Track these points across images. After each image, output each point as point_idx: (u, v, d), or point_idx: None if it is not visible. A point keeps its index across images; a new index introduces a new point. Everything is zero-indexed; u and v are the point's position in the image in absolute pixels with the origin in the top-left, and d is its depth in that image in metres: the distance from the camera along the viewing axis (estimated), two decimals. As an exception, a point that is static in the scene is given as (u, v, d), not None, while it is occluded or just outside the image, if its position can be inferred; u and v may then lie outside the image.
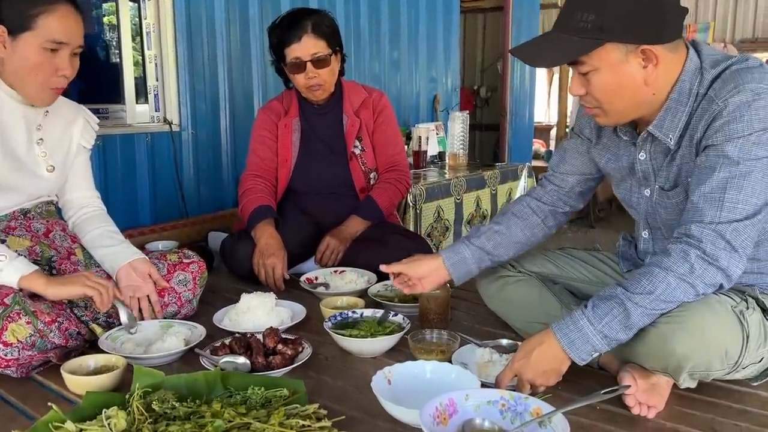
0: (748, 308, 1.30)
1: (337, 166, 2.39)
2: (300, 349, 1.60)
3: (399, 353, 1.66)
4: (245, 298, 1.85)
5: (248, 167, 2.44)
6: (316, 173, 2.39)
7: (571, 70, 1.40)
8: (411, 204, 3.03)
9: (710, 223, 1.25)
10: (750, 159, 1.24)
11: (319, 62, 2.21)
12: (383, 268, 1.70)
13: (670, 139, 1.38)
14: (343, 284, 2.13)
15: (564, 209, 1.74)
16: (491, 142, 6.45)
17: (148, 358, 1.56)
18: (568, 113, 6.79)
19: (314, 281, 2.21)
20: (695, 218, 1.27)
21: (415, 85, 4.45)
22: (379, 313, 1.78)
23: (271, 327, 1.66)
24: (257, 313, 1.81)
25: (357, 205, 2.39)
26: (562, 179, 1.72)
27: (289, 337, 1.64)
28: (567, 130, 6.85)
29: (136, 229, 2.76)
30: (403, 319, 1.74)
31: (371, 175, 2.44)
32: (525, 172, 3.95)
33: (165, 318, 1.83)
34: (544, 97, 8.83)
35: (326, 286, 2.15)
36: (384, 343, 1.63)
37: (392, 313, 1.78)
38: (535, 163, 6.05)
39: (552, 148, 7.55)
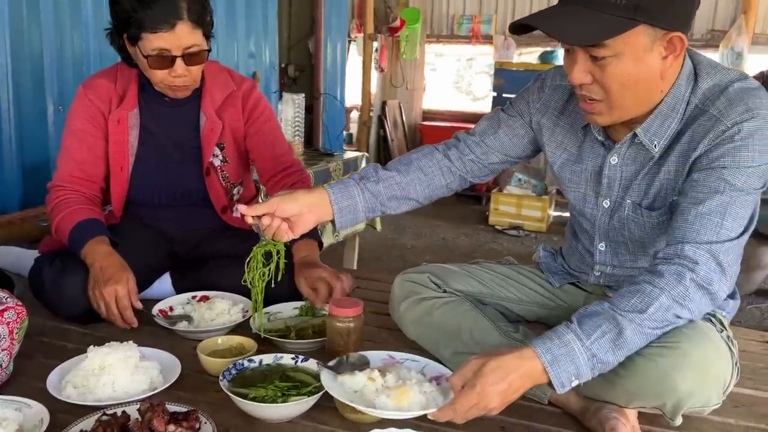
0: (727, 333, 1.25)
1: (190, 178, 1.88)
2: (197, 427, 1.19)
3: (321, 411, 1.33)
4: (96, 353, 1.36)
5: (59, 172, 1.82)
6: (162, 184, 1.88)
7: (563, 53, 1.23)
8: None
9: (706, 243, 1.16)
10: (752, 189, 1.18)
11: (193, 58, 1.70)
12: (241, 209, 1.35)
13: (655, 146, 1.26)
14: (212, 316, 1.70)
15: (472, 179, 1.57)
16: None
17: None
18: (372, 95, 6.73)
19: (170, 314, 1.75)
20: (689, 238, 1.17)
21: (232, 61, 3.96)
22: (284, 358, 1.43)
23: (151, 400, 1.22)
24: (118, 374, 1.33)
25: (217, 218, 1.94)
26: (485, 152, 1.53)
27: (179, 409, 1.22)
28: (371, 114, 6.84)
29: None
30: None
31: (234, 191, 1.97)
32: (364, 163, 3.73)
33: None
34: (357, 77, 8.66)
35: (189, 319, 1.71)
36: (306, 404, 1.29)
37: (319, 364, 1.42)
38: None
39: (353, 131, 7.45)
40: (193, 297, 1.81)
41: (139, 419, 1.17)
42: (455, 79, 8.21)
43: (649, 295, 1.14)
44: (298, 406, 1.27)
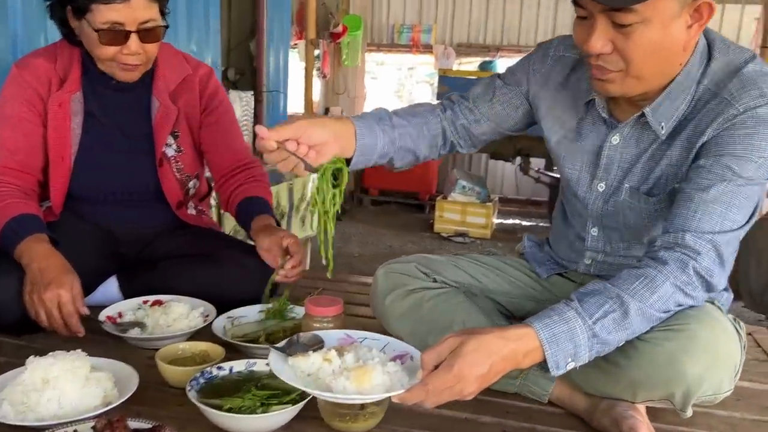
0: (732, 315, 1.20)
1: (141, 170, 1.70)
2: (165, 444, 1.02)
3: (304, 422, 1.18)
4: (38, 364, 1.17)
5: None
6: (108, 176, 1.68)
7: (575, 20, 1.15)
8: (214, 204, 2.43)
9: (708, 233, 1.10)
10: (761, 179, 1.13)
11: (149, 34, 1.52)
12: (260, 131, 1.10)
13: (662, 128, 1.19)
14: (168, 322, 1.52)
15: (459, 149, 1.47)
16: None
17: None
18: (315, 103, 6.59)
19: (119, 320, 1.56)
20: (691, 226, 1.11)
21: (172, 60, 3.74)
22: (257, 365, 1.27)
23: (107, 416, 1.04)
24: (64, 388, 1.15)
25: (173, 216, 1.75)
26: (477, 119, 1.43)
27: (142, 425, 1.05)
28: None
29: None
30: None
31: (190, 184, 1.79)
32: (316, 165, 3.58)
33: None
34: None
35: (141, 326, 1.52)
36: (290, 414, 1.14)
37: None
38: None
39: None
40: (145, 302, 1.62)
41: (97, 439, 0.99)
42: (396, 88, 8.18)
43: (654, 280, 1.07)
44: (281, 416, 1.12)
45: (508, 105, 1.42)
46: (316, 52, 6.17)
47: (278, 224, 1.70)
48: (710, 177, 1.11)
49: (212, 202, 2.12)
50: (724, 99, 1.13)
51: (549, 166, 6.31)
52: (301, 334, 1.23)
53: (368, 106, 7.84)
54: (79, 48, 1.61)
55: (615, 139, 1.27)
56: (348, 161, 1.25)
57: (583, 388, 1.22)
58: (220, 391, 1.19)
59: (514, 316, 1.52)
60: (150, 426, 1.05)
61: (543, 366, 1.04)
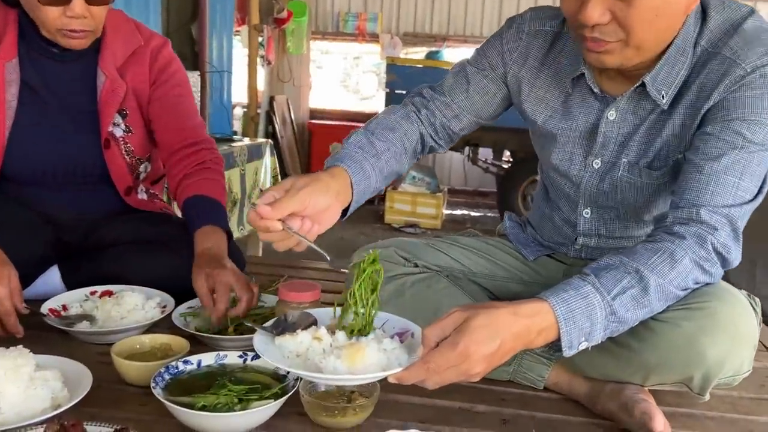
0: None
1: (85, 151, 1.52)
2: (130, 451, 0.88)
3: (286, 419, 1.06)
4: (-29, 364, 1.00)
5: None
6: (48, 156, 1.50)
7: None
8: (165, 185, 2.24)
9: (723, 207, 1.03)
10: None
11: None
12: (262, 211, 0.94)
13: (662, 97, 1.11)
14: (122, 314, 1.36)
15: (438, 148, 1.38)
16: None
17: None
18: (259, 92, 6.37)
19: (64, 313, 1.39)
20: (704, 200, 1.04)
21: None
22: (229, 357, 1.14)
23: (60, 420, 0.89)
24: (5, 389, 0.98)
25: (118, 199, 1.59)
26: (456, 114, 1.33)
27: (105, 428, 0.91)
28: (258, 111, 6.47)
29: None
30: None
31: (141, 168, 1.62)
32: (268, 150, 3.42)
33: None
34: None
35: (90, 319, 1.36)
36: (272, 410, 1.01)
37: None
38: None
39: (237, 129, 7.04)
40: (92, 293, 1.45)
41: (48, 448, 0.84)
42: (342, 77, 8.03)
43: (673, 255, 0.99)
44: (262, 412, 0.99)
45: (485, 93, 1.32)
46: (260, 38, 5.96)
47: (229, 234, 1.50)
48: (720, 145, 1.05)
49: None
50: (726, 58, 1.07)
51: (498, 156, 6.32)
52: (290, 312, 1.10)
53: (314, 96, 7.67)
54: (16, 9, 1.43)
55: (611, 114, 1.19)
56: (345, 210, 1.13)
57: (586, 372, 1.15)
58: (189, 387, 1.05)
59: (500, 300, 1.43)
60: (112, 429, 0.91)
61: (553, 346, 0.95)
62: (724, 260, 1.02)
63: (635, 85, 1.14)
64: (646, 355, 1.04)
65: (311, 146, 7.02)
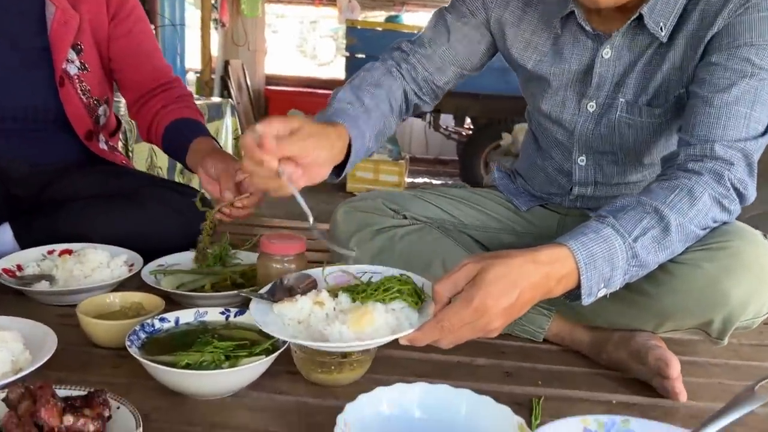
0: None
1: (37, 91, 1.39)
2: (108, 414, 0.79)
3: (275, 377, 0.98)
4: None
5: None
6: None
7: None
8: (122, 143, 2.10)
9: (737, 141, 0.97)
10: None
11: None
12: (264, 139, 0.84)
13: (661, 29, 1.05)
14: (85, 272, 1.24)
15: (424, 106, 1.29)
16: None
17: None
18: (213, 57, 6.14)
19: (18, 273, 1.26)
20: (717, 135, 0.98)
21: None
22: (209, 314, 1.04)
23: (24, 383, 0.79)
24: (-42, 353, 0.87)
25: (81, 150, 1.45)
26: (439, 67, 1.24)
27: (77, 392, 0.81)
28: (213, 76, 6.23)
29: None
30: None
31: (100, 111, 1.48)
32: (229, 110, 3.26)
33: None
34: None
35: (50, 279, 1.24)
36: (263, 366, 0.93)
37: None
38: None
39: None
40: (50, 252, 1.33)
41: (13, 412, 0.74)
42: (299, 42, 7.82)
43: (692, 192, 0.93)
44: (253, 369, 0.90)
45: (468, 42, 1.24)
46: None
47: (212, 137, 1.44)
48: (728, 75, 0.99)
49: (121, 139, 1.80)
50: None
51: (459, 123, 6.28)
52: (287, 276, 1.01)
53: (269, 62, 7.44)
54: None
55: (606, 52, 1.12)
56: (338, 169, 1.03)
57: (592, 321, 1.10)
58: (168, 347, 0.95)
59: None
60: (85, 392, 0.81)
61: (570, 295, 0.89)
62: (741, 196, 0.97)
63: (631, 19, 1.07)
64: (664, 300, 0.99)
65: (268, 113, 6.82)
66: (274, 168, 0.85)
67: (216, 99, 3.31)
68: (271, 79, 7.33)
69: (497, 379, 1.04)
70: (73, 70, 1.41)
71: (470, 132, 6.19)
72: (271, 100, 6.84)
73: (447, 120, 6.42)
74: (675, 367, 0.95)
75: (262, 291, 0.98)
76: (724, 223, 0.97)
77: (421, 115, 5.97)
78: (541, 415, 0.93)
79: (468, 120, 6.29)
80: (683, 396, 0.96)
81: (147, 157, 2.35)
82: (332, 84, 7.05)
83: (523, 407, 0.95)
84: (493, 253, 0.86)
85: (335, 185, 5.88)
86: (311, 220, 0.93)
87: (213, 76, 6.01)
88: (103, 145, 1.51)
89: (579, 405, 0.97)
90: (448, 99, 6.10)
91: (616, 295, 0.96)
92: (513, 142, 5.12)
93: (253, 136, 0.85)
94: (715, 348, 1.18)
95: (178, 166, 2.65)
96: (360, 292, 0.92)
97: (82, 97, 1.42)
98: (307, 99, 6.52)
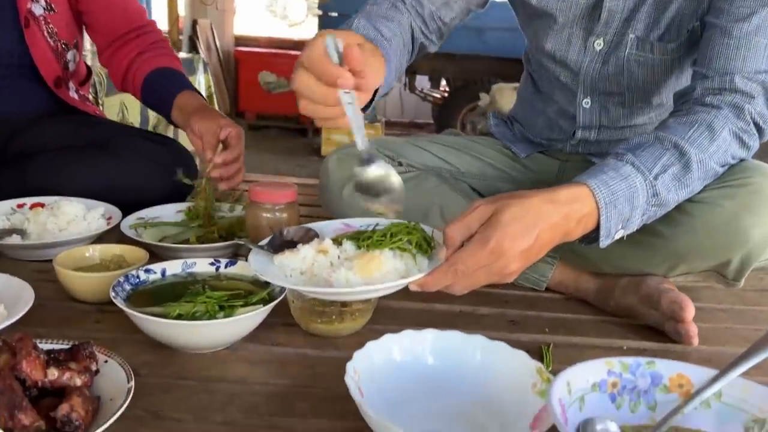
0: None
1: (0, 32, 1.28)
2: (95, 368, 0.72)
3: (271, 329, 0.92)
4: None
5: None
6: None
7: None
8: (92, 96, 1.98)
9: (757, 72, 0.93)
10: None
11: None
12: (350, 51, 0.72)
13: None
14: (60, 225, 1.16)
15: (430, 45, 1.20)
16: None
17: None
18: (180, 17, 5.91)
19: (-13, 228, 1.18)
20: (736, 67, 0.93)
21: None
22: (198, 265, 0.98)
23: (2, 336, 0.72)
24: (-76, 307, 0.80)
25: (50, 98, 1.34)
26: (446, 2, 1.16)
27: (60, 345, 0.74)
28: (181, 37, 6.00)
29: None
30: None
31: (69, 56, 1.37)
32: (201, 66, 3.13)
33: None
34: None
35: (21, 233, 1.16)
36: (260, 316, 0.87)
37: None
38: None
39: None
40: (20, 205, 1.24)
41: (-10, 368, 0.67)
42: (268, 2, 7.58)
43: (711, 126, 0.89)
44: (250, 319, 0.84)
45: None
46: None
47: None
48: (748, 3, 0.93)
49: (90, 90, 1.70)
50: None
51: (435, 85, 6.20)
52: (286, 228, 0.94)
53: (238, 22, 7.21)
54: None
55: None
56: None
57: (599, 267, 1.06)
58: (155, 299, 0.89)
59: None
60: (69, 345, 0.74)
61: (585, 238, 0.84)
62: (760, 131, 0.93)
63: None
64: (680, 241, 0.95)
65: (238, 75, 6.64)
66: (349, 85, 0.72)
67: (186, 54, 3.17)
68: (240, 40, 7.10)
69: (503, 327, 1.00)
70: (38, 10, 1.30)
71: (446, 94, 6.11)
72: (241, 62, 6.63)
73: (422, 82, 6.33)
74: (690, 310, 0.92)
75: (261, 243, 0.91)
76: (741, 160, 0.93)
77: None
78: (553, 362, 0.89)
79: (443, 82, 6.22)
80: (696, 340, 0.94)
81: (118, 111, 2.23)
82: (304, 45, 6.89)
83: (533, 354, 0.90)
84: (508, 194, 0.80)
85: (310, 151, 5.80)
86: (363, 146, 0.78)
87: (181, 37, 5.80)
88: (73, 94, 1.41)
89: (589, 352, 0.94)
90: (423, 59, 6.04)
91: (628, 238, 0.92)
92: (491, 103, 5.06)
93: (325, 46, 0.72)
94: (719, 293, 1.16)
95: (151, 120, 2.54)
96: (365, 239, 0.86)
97: (49, 40, 1.32)
98: (279, 60, 6.34)
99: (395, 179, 0.79)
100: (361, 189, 0.80)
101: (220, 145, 1.23)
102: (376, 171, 0.79)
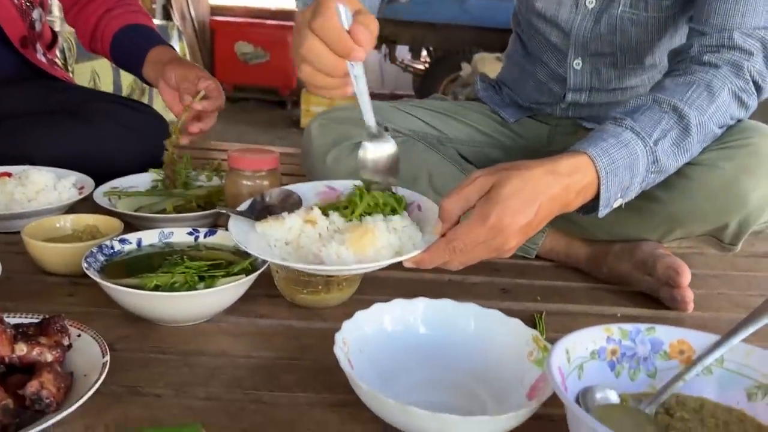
0: None
1: None
2: (67, 343, 0.68)
3: (254, 301, 0.88)
4: None
5: None
6: None
7: None
8: (60, 62, 1.89)
9: (756, 29, 0.90)
10: None
11: None
12: (365, 20, 0.67)
13: None
14: (29, 195, 1.10)
15: None
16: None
17: None
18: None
19: (-50, 199, 1.11)
20: (735, 23, 0.90)
21: None
22: (176, 235, 0.93)
23: (-34, 307, 0.67)
24: None
25: (16, 60, 1.28)
26: None
27: (29, 319, 0.70)
28: (154, 6, 5.83)
29: None
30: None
31: (35, 15, 1.29)
32: (176, 34, 3.03)
33: None
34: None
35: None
36: (243, 287, 0.83)
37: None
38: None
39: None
40: (-14, 175, 1.18)
41: (-48, 343, 0.63)
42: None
43: (710, 86, 0.85)
44: (233, 290, 0.80)
45: None
46: None
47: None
48: None
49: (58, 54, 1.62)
50: None
51: (416, 55, 6.11)
52: (267, 192, 0.89)
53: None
54: None
55: None
56: None
57: (591, 234, 1.03)
58: (131, 270, 0.84)
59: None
60: (38, 319, 0.70)
61: (583, 208, 0.81)
62: (759, 90, 0.90)
63: None
64: (676, 205, 0.92)
65: (214, 45, 6.47)
66: (362, 58, 0.68)
67: (160, 21, 3.07)
68: (216, 10, 6.92)
69: (494, 296, 0.98)
70: (-1, -34, 1.22)
71: (427, 65, 6.03)
72: (217, 32, 6.46)
73: (403, 53, 6.23)
74: (686, 275, 0.90)
75: (240, 208, 0.86)
76: (739, 120, 0.90)
77: (376, 46, 5.77)
78: (546, 330, 0.87)
79: (424, 53, 6.13)
80: (692, 306, 0.92)
81: (90, 79, 2.14)
82: (282, 15, 6.73)
83: (526, 323, 0.88)
84: (507, 165, 0.76)
85: (289, 123, 5.70)
86: (373, 126, 0.77)
87: (154, 6, 5.63)
88: (41, 57, 1.34)
89: (582, 319, 0.92)
90: (404, 29, 5.92)
91: (624, 204, 0.89)
92: (473, 73, 5.00)
93: (338, 14, 0.66)
94: (711, 260, 1.15)
95: (125, 89, 2.45)
96: (343, 208, 0.82)
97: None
98: (257, 30, 6.19)
99: (396, 154, 0.80)
100: (366, 164, 0.80)
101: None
102: (384, 147, 0.80)
